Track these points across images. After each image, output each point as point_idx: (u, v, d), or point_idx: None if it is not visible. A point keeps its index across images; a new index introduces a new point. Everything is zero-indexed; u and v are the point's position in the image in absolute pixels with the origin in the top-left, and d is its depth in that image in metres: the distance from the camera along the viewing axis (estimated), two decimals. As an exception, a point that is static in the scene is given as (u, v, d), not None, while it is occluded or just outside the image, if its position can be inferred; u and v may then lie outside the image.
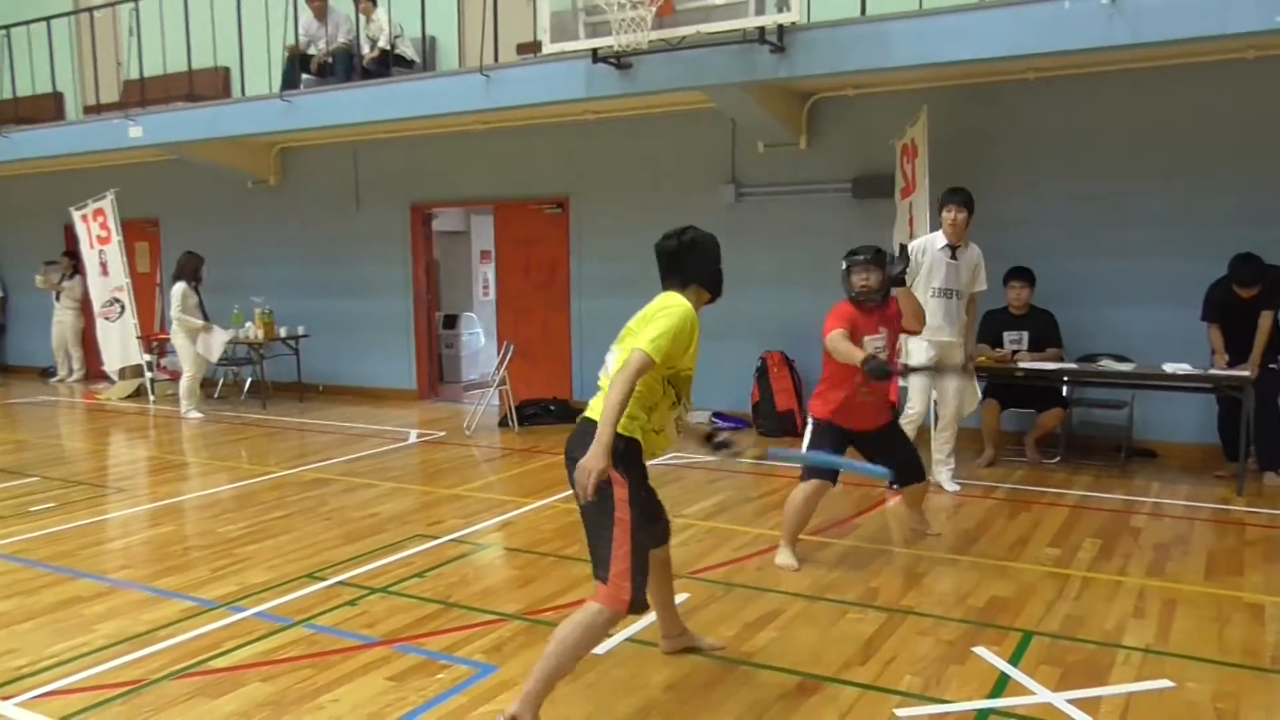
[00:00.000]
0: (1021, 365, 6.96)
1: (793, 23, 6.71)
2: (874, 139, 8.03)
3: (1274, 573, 4.76)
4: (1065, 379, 7.01)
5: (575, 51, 7.43)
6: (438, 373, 11.41)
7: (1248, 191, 6.90)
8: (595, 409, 3.21)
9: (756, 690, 3.55)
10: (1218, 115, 7.01)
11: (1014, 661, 3.75)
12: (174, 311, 9.82)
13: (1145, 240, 7.28)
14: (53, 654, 3.92)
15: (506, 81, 8.21)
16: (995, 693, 3.50)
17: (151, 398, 11.07)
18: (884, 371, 4.60)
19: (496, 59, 8.51)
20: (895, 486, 5.44)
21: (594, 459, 2.98)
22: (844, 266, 4.96)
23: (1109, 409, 7.31)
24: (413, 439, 8.65)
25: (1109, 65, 7.21)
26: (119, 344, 11.11)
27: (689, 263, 3.44)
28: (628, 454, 3.17)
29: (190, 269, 9.88)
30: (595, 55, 7.33)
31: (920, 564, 4.99)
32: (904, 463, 4.98)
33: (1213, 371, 6.46)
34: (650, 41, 6.83)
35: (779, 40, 6.82)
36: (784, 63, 6.96)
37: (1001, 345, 7.25)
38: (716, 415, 8.84)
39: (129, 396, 11.32)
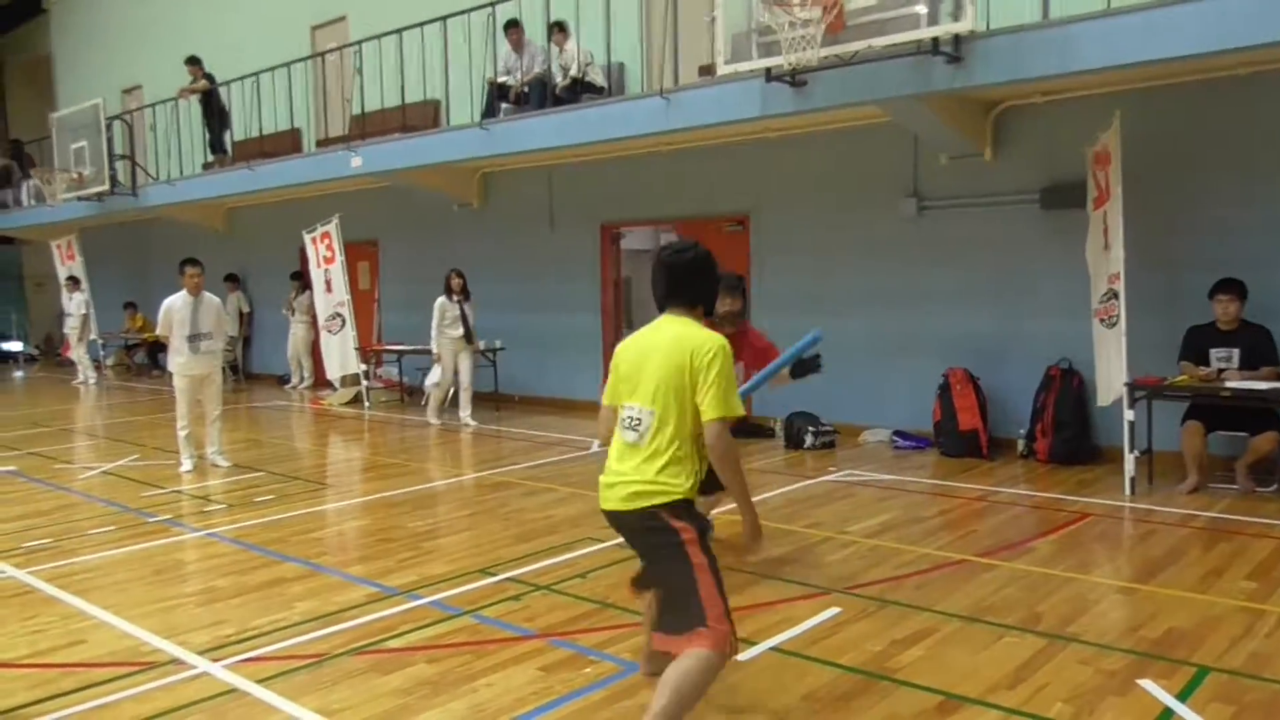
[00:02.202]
0: (1229, 385, 6.46)
1: (969, 31, 6.54)
2: (1064, 147, 7.68)
3: None
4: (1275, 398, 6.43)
5: (750, 71, 7.54)
6: (624, 386, 11.73)
7: None
8: (634, 476, 3.09)
9: (894, 705, 3.52)
10: None
11: (1182, 697, 3.53)
12: (433, 324, 10.39)
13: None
14: (255, 626, 4.41)
15: (685, 103, 8.43)
16: (1154, 727, 3.32)
17: (367, 404, 12.02)
18: None
19: (677, 82, 8.76)
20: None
21: (755, 542, 3.28)
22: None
23: (1335, 435, 6.63)
24: (595, 448, 8.98)
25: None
26: (339, 355, 12.14)
27: (703, 281, 3.31)
28: (687, 510, 3.13)
29: (445, 283, 10.38)
30: (769, 74, 7.42)
31: (1094, 591, 4.74)
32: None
33: None
34: (821, 58, 6.84)
35: (955, 49, 6.67)
36: (961, 72, 6.80)
37: (1207, 362, 6.74)
38: (896, 433, 8.67)
39: (348, 403, 12.33)
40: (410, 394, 12.53)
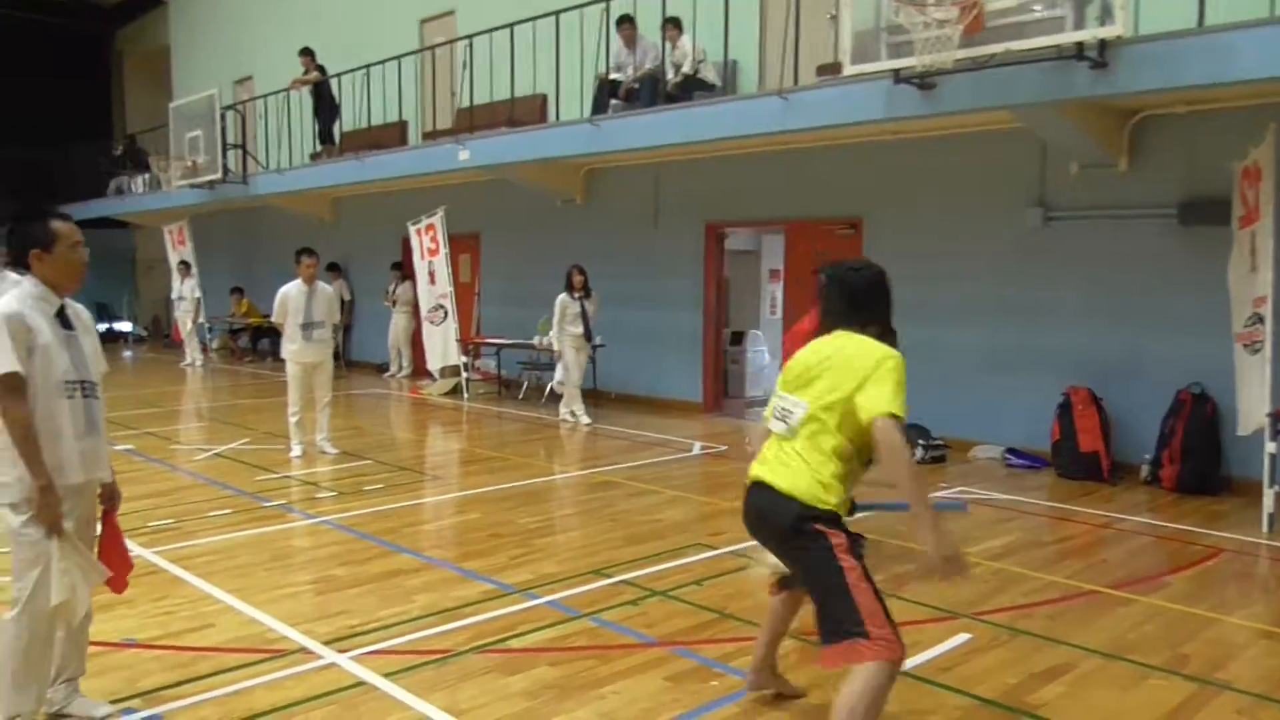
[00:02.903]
0: (1383, 419, 6.06)
1: (1117, 36, 6.26)
2: (1207, 160, 7.30)
3: None
4: None
5: (876, 72, 7.35)
6: (722, 388, 11.65)
7: None
8: (781, 471, 3.08)
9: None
10: None
11: (1355, 758, 3.30)
12: (554, 320, 10.43)
13: None
14: (379, 619, 4.43)
15: (804, 103, 8.27)
16: (1328, 789, 3.10)
17: (466, 395, 12.14)
18: None
19: (796, 81, 8.60)
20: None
21: (939, 547, 2.85)
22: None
23: None
24: (696, 450, 8.90)
25: None
26: (441, 346, 12.29)
27: (879, 300, 3.23)
28: (833, 519, 3.05)
29: (566, 279, 10.30)
30: (897, 75, 7.22)
31: (1240, 635, 4.48)
32: None
33: None
34: (956, 60, 6.62)
35: (1100, 55, 6.39)
36: (1105, 79, 6.51)
37: (1358, 395, 6.34)
38: (1010, 451, 8.39)
39: (447, 393, 12.48)
40: (508, 387, 12.61)
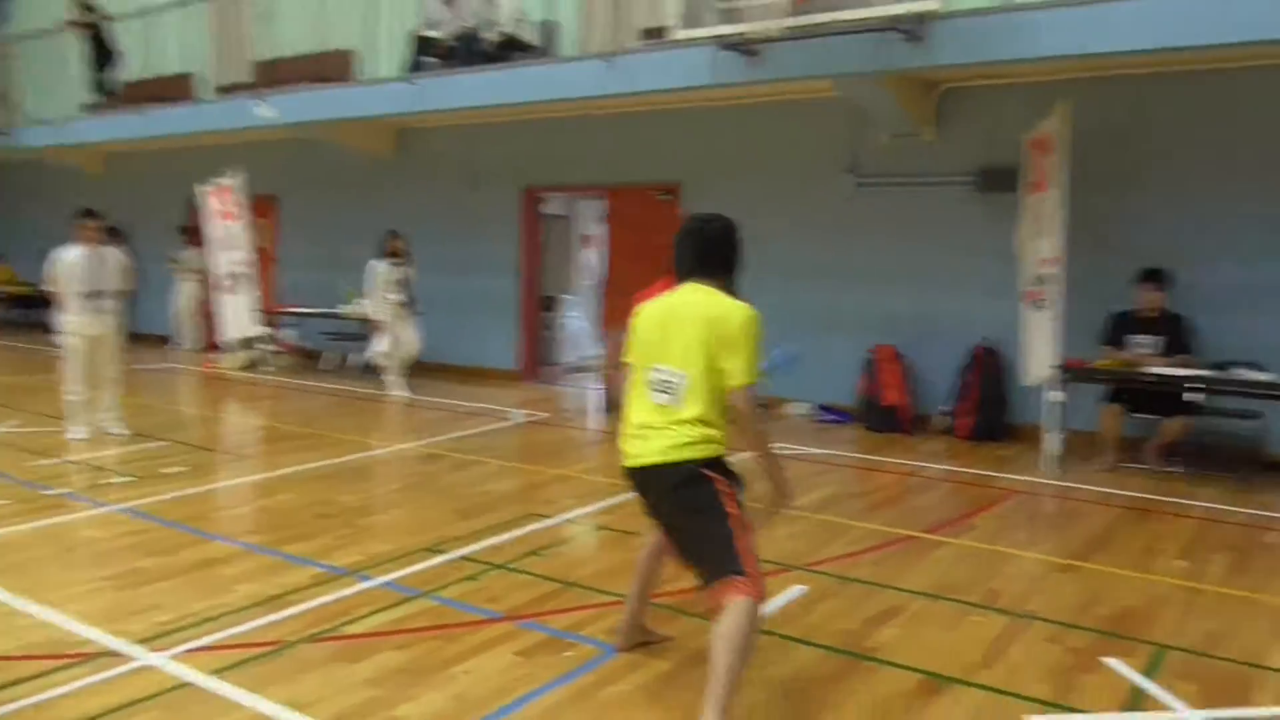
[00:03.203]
0: (1150, 370, 6.72)
1: (932, 11, 6.55)
2: (1004, 131, 7.79)
3: None
4: (1195, 386, 6.72)
5: (702, 38, 7.38)
6: (539, 355, 11.55)
7: None
8: (672, 431, 3.19)
9: (880, 687, 3.52)
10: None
11: (1149, 675, 3.64)
12: (373, 289, 9.90)
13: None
14: (195, 612, 4.10)
15: (630, 68, 8.23)
16: (1130, 706, 3.41)
17: (267, 368, 11.46)
18: None
19: (623, 45, 8.53)
20: None
21: (784, 495, 3.35)
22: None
23: (1239, 419, 6.99)
24: (518, 418, 8.78)
25: (1269, 59, 6.83)
26: (237, 316, 11.51)
27: (732, 251, 3.34)
28: (723, 466, 3.26)
29: (383, 245, 9.87)
30: (724, 42, 7.28)
31: (1040, 568, 4.87)
32: None
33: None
34: (785, 29, 6.75)
35: (916, 29, 6.67)
36: (920, 52, 6.81)
37: (1124, 347, 7.00)
38: (821, 407, 8.77)
39: (244, 367, 11.74)
40: (311, 359, 12.00)
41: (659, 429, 3.22)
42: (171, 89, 12.62)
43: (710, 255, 3.31)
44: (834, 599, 4.38)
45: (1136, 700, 3.45)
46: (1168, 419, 6.91)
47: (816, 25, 6.77)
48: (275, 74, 11.02)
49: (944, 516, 5.76)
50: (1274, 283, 7.00)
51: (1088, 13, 6.32)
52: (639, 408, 3.33)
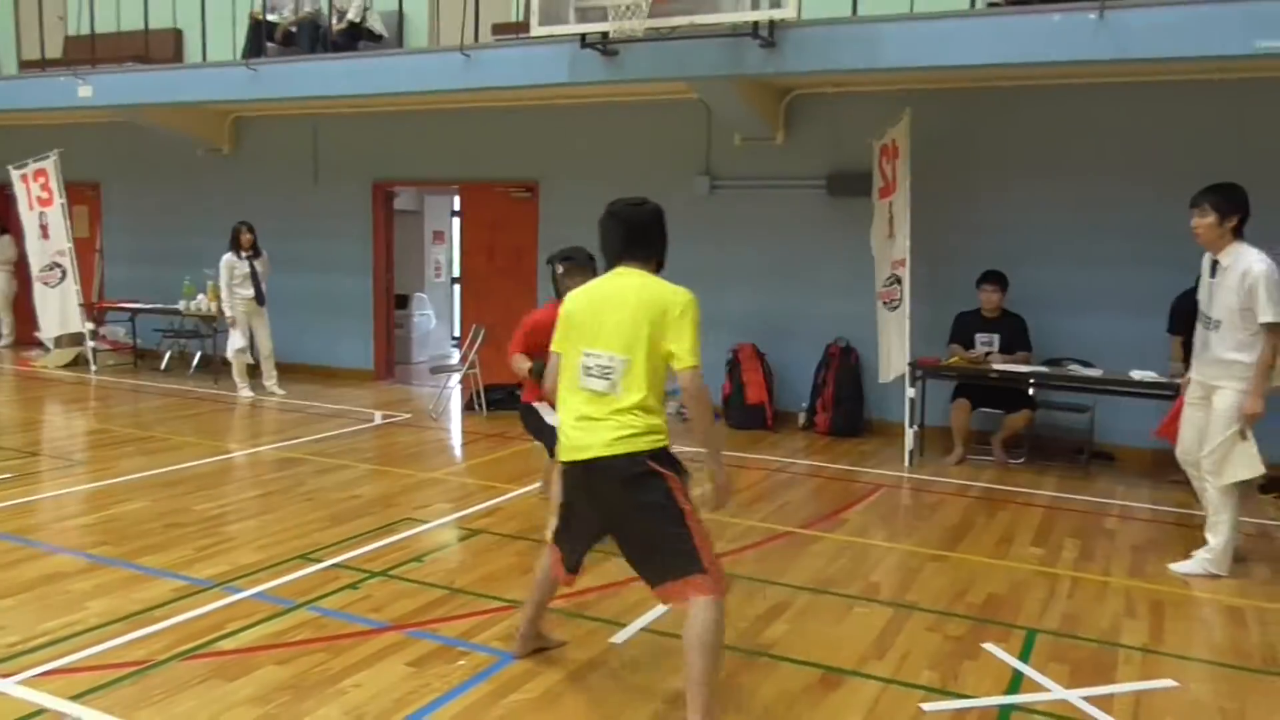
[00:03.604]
0: (995, 367, 7.13)
1: (784, 19, 6.72)
2: (851, 137, 8.11)
3: (1245, 577, 4.96)
4: (1034, 381, 7.19)
5: (560, 35, 7.33)
6: (393, 354, 11.19)
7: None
8: (615, 421, 3.09)
9: (780, 682, 3.57)
10: (1195, 132, 7.20)
11: (1023, 658, 3.84)
12: (221, 284, 9.34)
13: (1115, 250, 7.49)
14: (45, 631, 3.75)
15: (487, 62, 8.07)
16: (1012, 689, 3.59)
17: (93, 367, 10.62)
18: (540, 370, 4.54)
19: (476, 38, 8.36)
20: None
21: (728, 487, 3.35)
22: (557, 269, 5.05)
23: (1072, 412, 7.52)
24: (378, 420, 8.47)
25: (1089, 78, 7.39)
26: (59, 311, 10.63)
27: (660, 234, 3.30)
28: (669, 457, 3.19)
29: (233, 237, 9.29)
30: (583, 40, 7.25)
31: (913, 559, 5.07)
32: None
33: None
34: (646, 29, 6.77)
35: (770, 35, 6.83)
36: (773, 58, 6.97)
37: (973, 345, 7.41)
38: (684, 407, 8.83)
39: (67, 365, 10.85)
40: (142, 357, 11.21)
41: (600, 420, 3.11)
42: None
43: (640, 239, 3.25)
44: (723, 595, 4.41)
45: (1016, 684, 3.63)
46: (1011, 413, 7.35)
47: (675, 28, 6.83)
48: (93, 51, 10.17)
49: (817, 511, 5.92)
50: (1093, 285, 7.55)
51: (929, 27, 6.64)
52: (574, 399, 3.20)
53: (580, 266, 4.90)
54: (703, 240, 8.88)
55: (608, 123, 9.16)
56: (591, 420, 3.13)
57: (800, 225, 8.54)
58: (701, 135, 8.81)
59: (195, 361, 10.74)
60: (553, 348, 3.34)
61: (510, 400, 9.02)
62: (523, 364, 4.99)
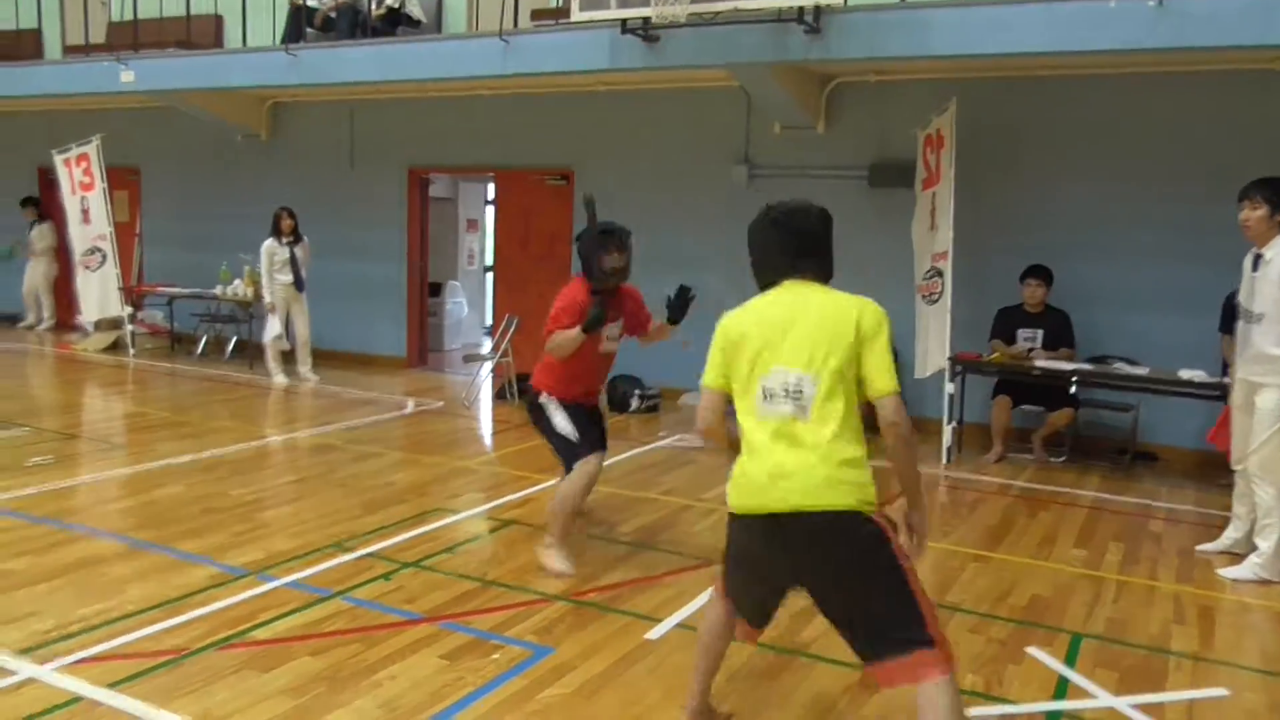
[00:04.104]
0: (1038, 364, 6.99)
1: (830, 4, 6.60)
2: (894, 127, 7.97)
3: (1299, 582, 4.82)
4: (1077, 379, 7.02)
5: (601, 21, 7.25)
6: (426, 342, 11.20)
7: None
8: (816, 460, 2.56)
9: (819, 683, 3.51)
10: (1250, 125, 6.99)
11: (1069, 663, 3.75)
12: (262, 270, 9.33)
13: (1164, 246, 7.30)
14: (81, 618, 3.75)
15: (526, 48, 8.01)
16: (1058, 694, 3.49)
17: (131, 351, 10.72)
18: (599, 318, 4.43)
19: (515, 24, 8.31)
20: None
21: (927, 529, 2.90)
22: (588, 246, 4.54)
23: (1115, 411, 7.35)
24: (410, 407, 8.47)
25: (1144, 67, 7.15)
26: (99, 294, 10.74)
27: (829, 243, 2.84)
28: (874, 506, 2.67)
29: (274, 223, 9.24)
30: (624, 25, 7.17)
31: (953, 559, 4.97)
32: (603, 434, 4.80)
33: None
34: (689, 15, 6.68)
35: (815, 21, 6.72)
36: (818, 44, 6.86)
37: (1015, 341, 7.26)
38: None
39: (105, 349, 10.95)
40: (179, 341, 11.29)
41: (796, 458, 2.58)
42: (11, 47, 11.62)
43: (811, 250, 2.81)
44: (759, 592, 4.35)
45: (1063, 689, 3.54)
46: (1053, 411, 7.20)
47: (719, 13, 6.73)
48: (136, 36, 10.22)
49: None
50: (1141, 281, 7.37)
51: (980, 14, 6.49)
52: (756, 435, 2.66)
53: (616, 243, 4.52)
54: (741, 230, 8.68)
55: (645, 110, 9.07)
56: (781, 461, 2.59)
57: (841, 216, 8.12)
58: (741, 123, 8.70)
59: (231, 346, 10.80)
60: (709, 383, 2.84)
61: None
62: (567, 333, 4.44)
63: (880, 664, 2.59)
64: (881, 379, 2.61)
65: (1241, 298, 4.91)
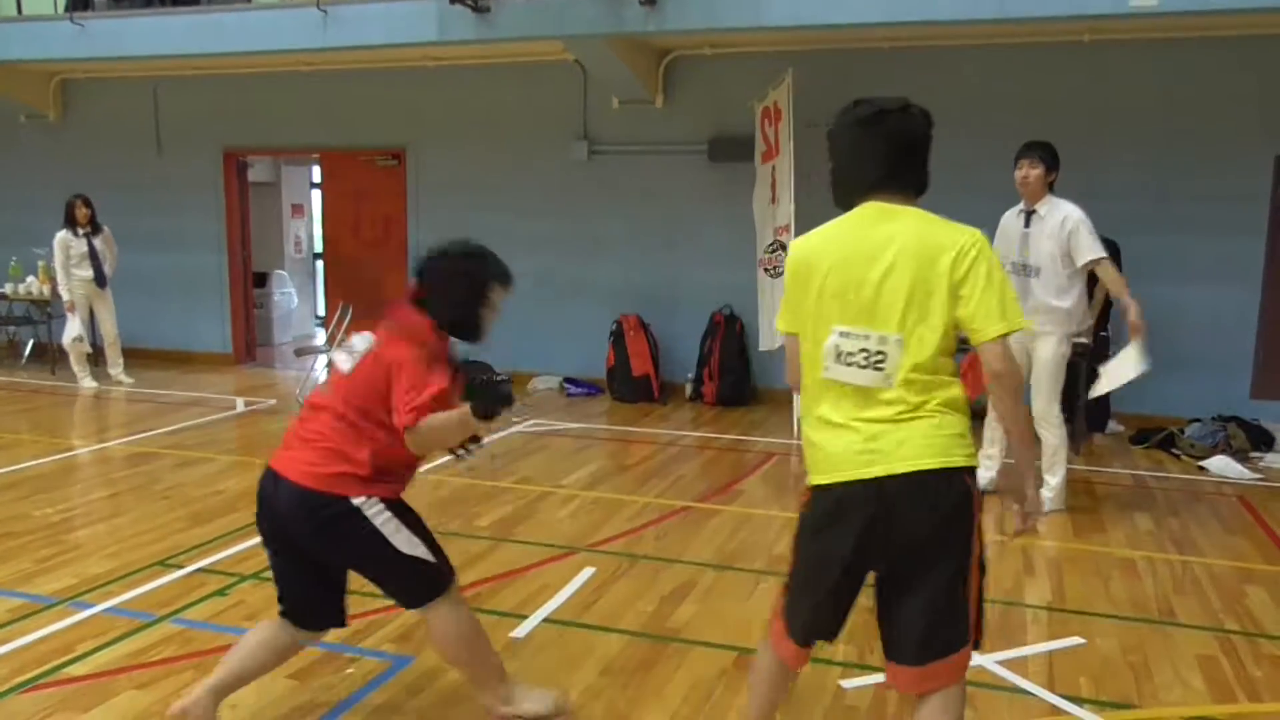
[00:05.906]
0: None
1: (665, -24, 6.50)
2: (732, 100, 7.94)
3: (1131, 527, 5.07)
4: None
5: (429, -10, 6.92)
6: (254, 336, 10.53)
7: (1097, 168, 7.17)
8: (899, 437, 2.17)
9: (694, 668, 3.40)
10: (1063, 93, 7.29)
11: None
12: (56, 264, 8.49)
13: (993, 211, 7.55)
14: None
15: (347, 19, 7.55)
16: (928, 657, 3.50)
17: (-94, 361, 9.59)
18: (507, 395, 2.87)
19: (331, -7, 7.82)
20: None
21: (1037, 497, 2.34)
22: (463, 289, 2.93)
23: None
24: (240, 407, 7.90)
25: (968, 39, 7.36)
26: None
27: (927, 153, 2.34)
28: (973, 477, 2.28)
29: (67, 212, 8.44)
30: (452, -4, 6.85)
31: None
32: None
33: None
34: (520, -16, 6.45)
35: (651, -7, 6.59)
36: (654, 16, 6.75)
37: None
38: (568, 380, 8.60)
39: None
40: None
41: (882, 420, 2.19)
42: None
43: (907, 160, 2.30)
44: (626, 579, 4.22)
45: (932, 650, 3.55)
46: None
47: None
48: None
49: (711, 484, 5.78)
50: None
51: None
52: (832, 394, 2.26)
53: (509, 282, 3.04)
54: (583, 207, 8.62)
55: (479, 85, 8.75)
56: (866, 424, 2.20)
57: (681, 191, 8.36)
58: (578, 98, 8.50)
59: (27, 350, 9.82)
60: (783, 325, 2.41)
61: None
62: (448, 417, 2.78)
63: (922, 667, 2.28)
64: (981, 322, 2.17)
65: (1012, 254, 5.14)
